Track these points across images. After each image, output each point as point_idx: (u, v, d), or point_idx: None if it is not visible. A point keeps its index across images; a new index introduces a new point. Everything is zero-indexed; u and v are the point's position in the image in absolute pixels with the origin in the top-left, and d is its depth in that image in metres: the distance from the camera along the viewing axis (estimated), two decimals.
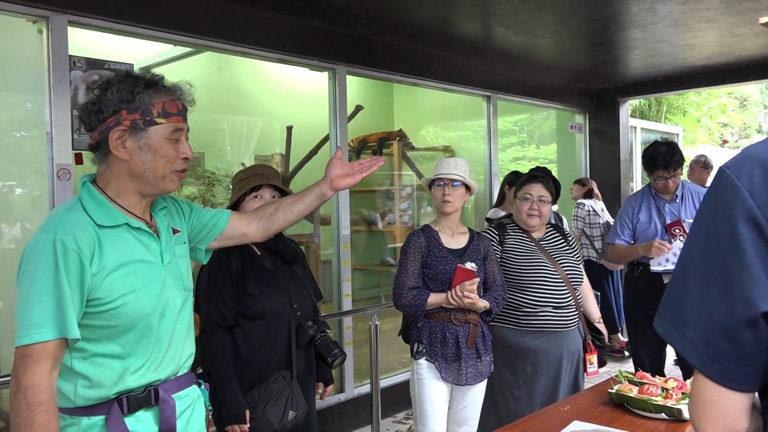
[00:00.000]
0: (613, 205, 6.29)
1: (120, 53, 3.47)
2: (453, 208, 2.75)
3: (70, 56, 3.00)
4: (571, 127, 6.55)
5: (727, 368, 0.84)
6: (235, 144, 5.52)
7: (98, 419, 1.46)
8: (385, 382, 4.32)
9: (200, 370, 2.27)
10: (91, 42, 3.48)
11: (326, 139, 4.51)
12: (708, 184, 5.38)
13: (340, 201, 4.33)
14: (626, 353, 5.99)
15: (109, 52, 3.39)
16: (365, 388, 4.32)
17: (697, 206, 3.53)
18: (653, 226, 3.56)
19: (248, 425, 2.18)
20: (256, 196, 2.36)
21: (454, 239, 2.78)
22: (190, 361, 1.70)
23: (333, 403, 4.14)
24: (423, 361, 2.67)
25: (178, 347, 1.62)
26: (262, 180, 2.38)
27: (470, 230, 2.87)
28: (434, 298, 2.63)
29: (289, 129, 5.30)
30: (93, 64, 3.10)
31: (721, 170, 0.89)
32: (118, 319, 1.46)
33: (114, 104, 1.48)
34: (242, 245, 2.32)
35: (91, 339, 1.45)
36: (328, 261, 4.81)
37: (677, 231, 3.47)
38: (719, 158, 6.35)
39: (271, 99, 5.71)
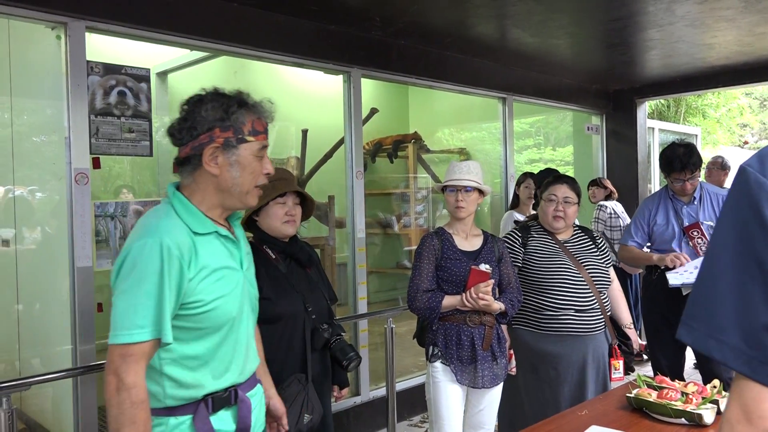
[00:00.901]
0: (630, 207, 6.21)
1: (137, 58, 3.51)
2: (466, 213, 2.74)
3: (88, 62, 3.03)
4: (588, 129, 6.50)
5: None
6: None
7: (185, 419, 1.54)
8: (400, 385, 4.31)
9: None
10: (108, 47, 3.52)
11: (341, 142, 4.52)
12: (726, 185, 5.31)
13: (355, 204, 4.33)
14: (645, 357, 5.93)
15: (126, 57, 3.42)
16: (381, 391, 4.31)
17: (716, 208, 3.47)
18: (671, 229, 3.51)
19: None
20: (281, 202, 2.36)
21: (468, 241, 2.76)
22: (257, 361, 1.79)
23: (349, 406, 4.14)
24: (438, 364, 2.66)
25: (251, 349, 1.73)
26: (287, 186, 2.39)
27: (484, 232, 2.86)
28: (449, 301, 2.62)
29: (305, 132, 5.31)
30: (110, 69, 3.13)
31: (742, 168, 0.87)
32: (207, 321, 1.55)
33: (208, 122, 1.56)
34: (257, 248, 2.33)
35: (181, 340, 1.52)
36: (343, 264, 4.81)
37: (695, 233, 3.42)
38: (739, 159, 6.26)
39: (287, 102, 5.72)
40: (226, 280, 1.59)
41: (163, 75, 4.84)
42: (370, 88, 5.12)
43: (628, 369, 3.08)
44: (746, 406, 0.83)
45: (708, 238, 3.39)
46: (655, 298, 3.59)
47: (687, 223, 3.45)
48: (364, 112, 4.52)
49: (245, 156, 1.59)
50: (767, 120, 17.72)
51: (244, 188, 1.61)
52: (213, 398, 1.58)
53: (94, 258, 3.04)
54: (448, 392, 2.65)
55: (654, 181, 7.39)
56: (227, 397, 1.61)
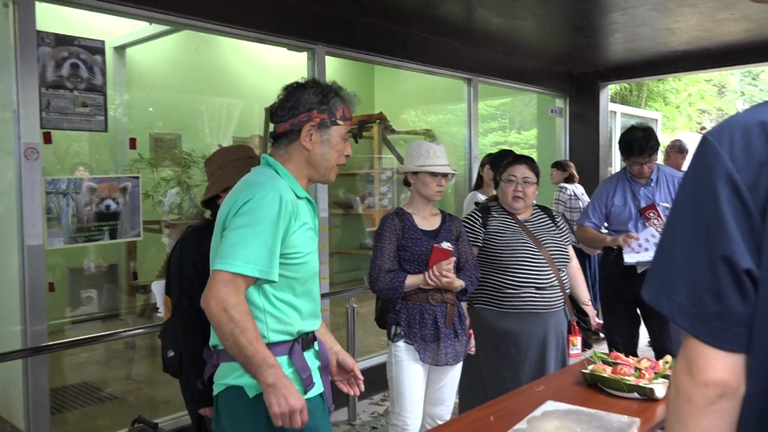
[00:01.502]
0: (591, 189, 6.30)
1: (92, 30, 3.38)
2: (442, 196, 2.79)
3: (38, 32, 2.91)
4: (552, 111, 6.56)
5: (717, 328, 0.85)
6: (212, 126, 5.44)
7: (282, 358, 1.74)
8: (362, 365, 4.31)
9: (171, 353, 2.24)
10: (61, 17, 3.39)
11: None
12: (684, 168, 5.43)
13: (318, 184, 4.29)
14: (601, 335, 6.06)
15: (80, 29, 3.30)
16: None
17: (672, 190, 3.55)
18: (628, 210, 3.57)
19: None
20: None
21: (428, 221, 2.77)
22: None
23: None
24: (401, 344, 2.67)
25: (319, 303, 1.94)
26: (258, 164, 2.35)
27: (442, 212, 2.87)
28: (412, 280, 2.62)
29: (267, 111, 5.22)
30: (62, 40, 3.02)
31: (704, 138, 0.90)
32: (300, 272, 1.79)
33: (309, 104, 1.82)
34: (213, 225, 2.29)
35: (278, 286, 1.75)
36: None
37: (651, 215, 3.49)
38: (696, 144, 6.39)
39: (249, 80, 5.63)
40: (312, 239, 1.85)
41: (120, 49, 4.70)
42: (334, 67, 5.05)
43: (586, 345, 3.13)
44: (688, 360, 0.89)
45: (664, 219, 3.46)
46: (612, 278, 3.66)
47: (644, 205, 3.52)
48: None
49: (335, 136, 1.85)
50: (724, 107, 18.17)
51: (329, 164, 1.87)
52: (302, 339, 1.81)
53: (45, 236, 2.95)
54: (410, 371, 2.66)
55: (614, 163, 7.51)
56: (311, 339, 1.86)
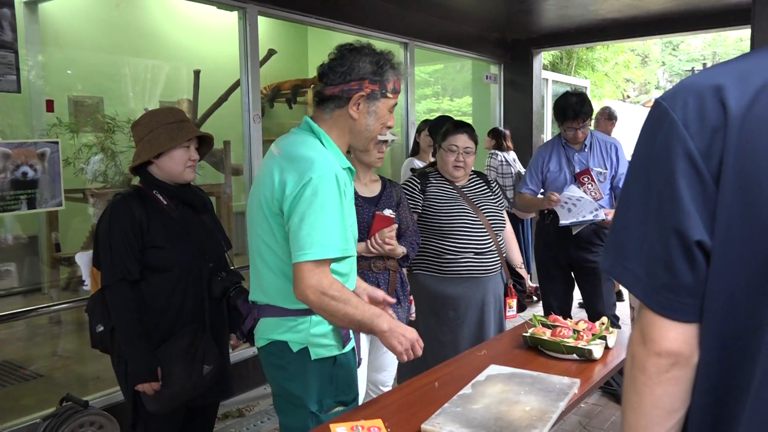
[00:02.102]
0: (525, 156, 6.42)
1: None
2: (382, 162, 2.73)
3: None
4: (486, 78, 6.58)
5: (668, 299, 0.85)
6: (137, 89, 5.15)
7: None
8: None
9: (101, 328, 2.13)
10: None
11: (237, 84, 4.28)
12: (613, 134, 5.59)
13: (253, 150, 4.16)
14: (535, 298, 6.25)
15: None
16: None
17: (605, 155, 3.63)
18: (563, 175, 3.65)
19: (159, 383, 2.07)
20: (186, 146, 2.21)
21: (368, 187, 2.72)
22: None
23: (248, 356, 4.05)
24: None
25: (355, 266, 2.00)
26: (194, 131, 2.22)
27: (381, 178, 2.83)
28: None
29: (197, 73, 4.99)
30: None
31: (657, 102, 0.88)
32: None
33: (362, 72, 1.77)
34: (146, 194, 2.16)
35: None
36: (240, 212, 4.65)
37: (585, 179, 3.57)
38: (621, 112, 6.57)
39: (177, 41, 5.35)
40: (352, 208, 1.90)
41: (32, 5, 4.34)
42: (267, 28, 4.87)
43: (521, 307, 3.21)
44: (642, 330, 0.89)
45: (597, 183, 3.55)
46: (547, 242, 3.75)
47: (578, 170, 3.59)
48: (261, 53, 4.29)
49: (382, 109, 1.83)
50: (647, 76, 18.85)
51: (372, 135, 1.87)
52: None
53: None
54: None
55: (547, 130, 7.66)
56: None
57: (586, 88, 9.38)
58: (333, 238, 1.69)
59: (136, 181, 2.30)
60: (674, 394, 0.87)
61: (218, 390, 2.29)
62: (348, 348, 1.90)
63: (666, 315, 0.85)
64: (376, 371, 2.77)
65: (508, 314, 3.15)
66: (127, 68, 5.11)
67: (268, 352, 1.87)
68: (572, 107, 3.54)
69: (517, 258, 3.24)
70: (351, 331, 1.90)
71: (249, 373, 4.01)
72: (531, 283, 3.49)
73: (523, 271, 3.24)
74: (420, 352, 1.82)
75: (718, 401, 0.85)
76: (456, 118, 4.25)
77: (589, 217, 3.49)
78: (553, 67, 9.60)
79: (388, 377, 2.80)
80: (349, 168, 1.87)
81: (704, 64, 13.19)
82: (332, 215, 1.69)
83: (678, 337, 0.85)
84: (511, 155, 5.96)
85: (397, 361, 2.85)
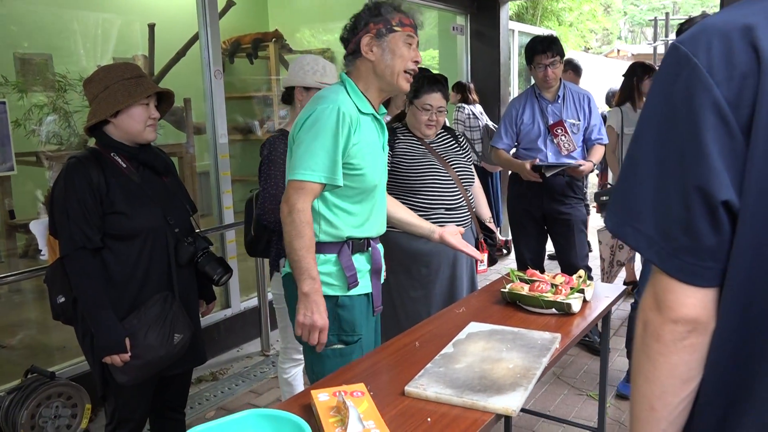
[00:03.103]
0: (492, 109, 6.36)
1: None
2: None
3: None
4: (453, 29, 6.44)
5: (687, 263, 0.78)
6: (88, 45, 4.88)
7: (331, 256, 1.93)
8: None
9: (62, 299, 2.02)
10: None
11: (195, 38, 4.08)
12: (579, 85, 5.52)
13: (215, 106, 3.99)
14: (505, 251, 6.29)
15: None
16: (252, 302, 4.20)
17: (578, 106, 3.56)
18: (536, 127, 3.59)
19: (129, 354, 1.98)
20: (145, 103, 2.08)
21: None
22: (385, 227, 2.12)
23: (219, 319, 3.99)
24: None
25: (382, 215, 2.09)
26: (153, 87, 2.08)
27: None
28: None
29: (152, 27, 4.75)
30: None
31: (674, 47, 0.79)
32: (358, 182, 1.90)
33: (365, 19, 1.91)
34: (104, 156, 2.03)
35: (336, 193, 1.90)
36: (204, 173, 4.50)
37: (559, 131, 3.53)
38: (584, 63, 6.51)
39: None
40: (374, 154, 1.94)
41: None
42: None
43: (492, 261, 3.20)
44: (656, 295, 0.82)
45: (571, 135, 3.51)
46: (520, 194, 3.72)
47: (551, 122, 3.54)
48: (220, 5, 4.09)
49: (395, 42, 1.89)
50: (609, 26, 18.80)
51: (395, 70, 1.90)
52: (353, 242, 1.95)
53: None
54: None
55: (514, 84, 7.59)
56: (363, 244, 2.00)
57: None
58: (321, 164, 1.80)
59: (92, 142, 2.15)
60: (691, 362, 0.82)
61: (190, 358, 2.22)
62: (354, 292, 1.97)
63: (684, 280, 0.78)
64: None
65: (479, 269, 3.13)
66: (77, 23, 4.82)
67: (286, 284, 2.07)
68: (541, 41, 3.50)
69: (486, 212, 3.22)
70: (366, 278, 2.01)
71: (221, 336, 3.95)
72: (500, 237, 3.48)
73: (492, 225, 3.22)
74: (314, 342, 1.86)
75: (736, 371, 0.79)
76: (423, 66, 4.13)
77: (564, 160, 3.48)
78: (519, 17, 9.47)
79: None
80: (373, 116, 1.96)
81: (666, 14, 13.18)
82: (324, 143, 1.80)
83: (697, 303, 0.79)
84: (478, 108, 5.88)
85: None
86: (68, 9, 4.78)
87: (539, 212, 3.66)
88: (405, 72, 1.93)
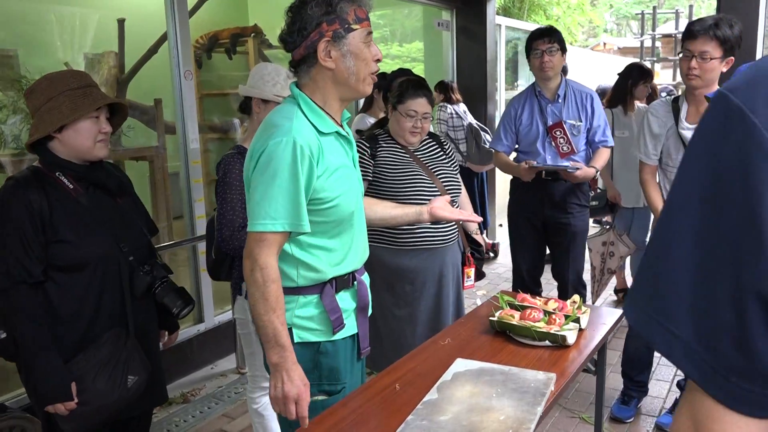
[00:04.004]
0: (479, 107, 6.17)
1: None
2: None
3: None
4: (438, 25, 6.23)
5: (741, 389, 0.58)
6: (53, 41, 4.61)
7: (313, 297, 1.71)
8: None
9: (3, 335, 1.80)
10: None
11: (164, 38, 3.84)
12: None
13: (186, 109, 3.76)
14: (491, 254, 6.12)
15: None
16: (227, 315, 3.99)
17: (579, 106, 3.34)
18: (535, 128, 3.40)
19: (75, 401, 1.77)
20: (94, 116, 1.86)
21: None
22: (368, 252, 1.89)
23: (192, 334, 3.77)
24: None
25: (364, 240, 1.86)
26: (103, 98, 1.87)
27: None
28: None
29: (121, 22, 4.49)
30: None
31: (722, 95, 0.58)
32: (333, 215, 1.68)
33: (315, 19, 1.59)
34: (47, 177, 1.81)
35: (309, 233, 1.66)
36: (176, 173, 4.28)
37: (558, 133, 3.32)
38: (569, 57, 6.30)
39: None
40: (345, 177, 1.70)
41: None
42: None
43: (479, 275, 3.01)
44: (697, 422, 0.62)
45: (570, 137, 3.30)
46: (521, 201, 3.53)
47: (551, 122, 3.34)
48: (191, 2, 3.85)
49: (355, 44, 1.63)
50: (595, 18, 18.65)
51: (360, 76, 1.66)
52: (336, 280, 1.74)
53: None
54: None
55: (500, 80, 7.39)
56: (347, 280, 1.78)
57: None
58: (282, 210, 1.56)
59: (37, 161, 1.93)
60: None
61: (148, 399, 2.02)
62: (339, 336, 1.76)
63: (737, 408, 0.59)
64: None
65: (466, 284, 2.97)
66: (53, 16, 4.56)
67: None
68: (541, 29, 3.36)
69: (472, 224, 3.03)
70: (351, 318, 1.80)
71: (194, 352, 3.74)
72: (488, 240, 3.29)
73: (479, 237, 3.04)
74: (292, 415, 1.63)
75: None
76: (406, 64, 3.91)
77: (562, 164, 3.29)
78: (506, 11, 9.27)
79: None
80: (337, 132, 1.70)
81: (654, 8, 13.04)
82: (282, 185, 1.55)
83: None
84: (462, 107, 5.69)
85: None
86: (35, 2, 4.51)
87: (539, 220, 3.46)
88: (369, 75, 1.71)
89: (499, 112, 7.47)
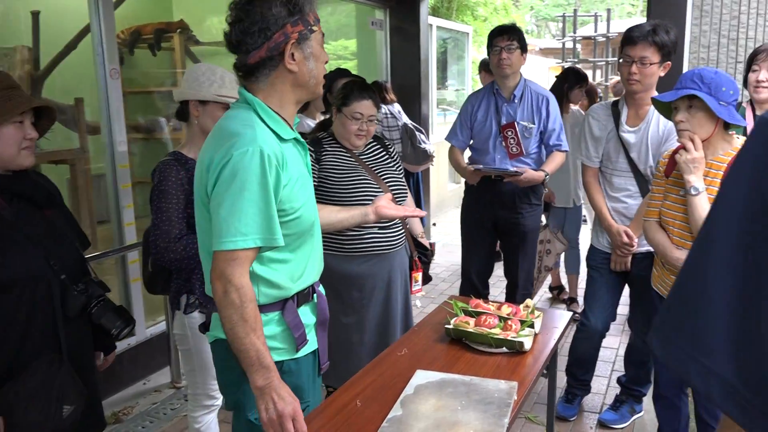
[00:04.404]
0: (413, 107, 6.16)
1: None
2: None
3: None
4: (372, 24, 6.17)
5: None
6: None
7: (274, 315, 1.62)
8: None
9: None
10: None
11: (88, 29, 3.60)
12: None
13: (112, 110, 3.54)
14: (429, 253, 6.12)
15: None
16: (160, 327, 3.79)
17: (535, 108, 3.35)
18: (488, 125, 3.41)
19: None
20: (18, 121, 1.70)
21: None
22: (323, 262, 1.80)
23: (122, 349, 3.55)
24: (197, 315, 2.22)
25: (321, 250, 1.77)
26: (28, 101, 1.69)
27: None
28: None
29: (35, 15, 4.18)
30: None
31: (765, 122, 0.56)
32: (295, 227, 1.59)
33: (281, 18, 1.50)
34: None
35: (281, 246, 1.56)
36: (101, 175, 4.02)
37: (509, 133, 3.34)
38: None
39: None
40: (305, 186, 1.63)
41: None
42: None
43: (426, 279, 2.99)
44: None
45: (520, 138, 3.32)
46: (472, 203, 3.56)
47: (504, 122, 3.35)
48: None
49: (316, 46, 1.58)
50: (517, 20, 19.12)
51: (318, 78, 1.61)
52: (298, 295, 1.65)
53: None
54: None
55: (432, 79, 7.42)
56: (308, 293, 1.71)
57: (468, 34, 9.23)
58: (254, 225, 1.46)
59: None
60: None
61: (86, 428, 1.85)
62: (302, 353, 1.68)
63: None
64: None
65: (414, 289, 2.94)
66: None
67: (214, 351, 1.71)
68: (502, 26, 3.39)
69: (418, 228, 3.01)
70: (312, 333, 1.72)
71: (125, 368, 3.53)
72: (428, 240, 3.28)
73: (425, 241, 3.02)
74: None
75: None
76: (339, 63, 3.83)
77: (510, 165, 3.33)
78: (434, 11, 9.32)
79: None
80: (295, 139, 1.63)
81: (575, 10, 13.51)
82: (252, 198, 1.45)
83: None
84: (396, 107, 5.66)
85: None
86: None
87: (490, 221, 3.47)
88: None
89: (432, 111, 7.50)
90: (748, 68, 2.77)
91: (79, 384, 1.75)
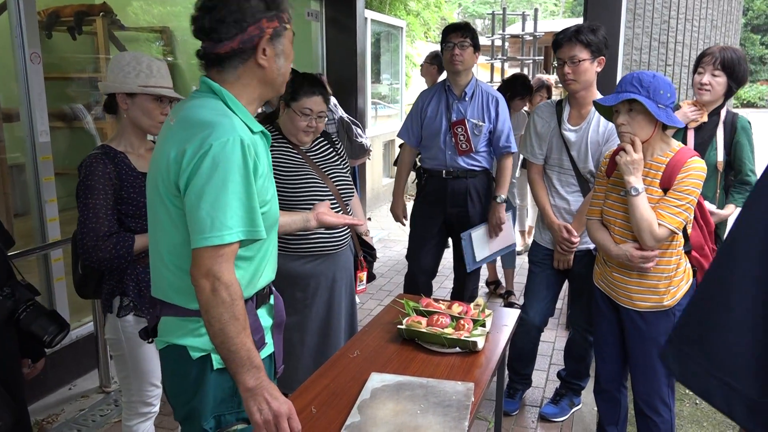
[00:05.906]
0: (349, 100, 6.10)
1: None
2: None
3: None
4: (308, 15, 6.05)
5: None
6: None
7: None
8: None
9: None
10: None
11: (3, 8, 3.33)
12: (439, 80, 5.41)
13: (33, 97, 3.29)
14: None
15: None
16: (87, 328, 3.57)
17: (484, 107, 3.38)
18: (438, 121, 3.42)
19: None
20: None
21: (146, 159, 2.15)
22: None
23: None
24: (131, 318, 2.10)
25: (276, 246, 1.71)
26: None
27: None
28: (142, 241, 2.03)
29: None
30: None
31: None
32: (264, 222, 1.51)
33: (257, 12, 1.47)
34: None
35: (264, 238, 1.51)
36: (17, 165, 3.75)
37: (459, 130, 3.35)
38: (427, 52, 6.39)
39: None
40: (272, 180, 1.61)
41: None
42: None
43: (371, 277, 2.96)
44: None
45: (470, 135, 3.33)
46: (422, 200, 3.58)
47: (455, 119, 3.36)
48: None
49: (286, 44, 1.55)
50: (446, 15, 19.34)
51: (285, 77, 1.58)
52: (258, 295, 1.60)
53: None
54: (149, 345, 2.14)
55: (367, 73, 7.37)
56: (267, 294, 1.67)
57: (402, 28, 9.23)
58: (237, 218, 1.41)
59: None
60: None
61: None
62: (261, 355, 1.58)
63: None
64: None
65: (358, 288, 2.89)
66: None
67: (165, 357, 1.62)
68: (456, 23, 3.43)
69: (363, 227, 2.96)
70: (269, 335, 1.67)
71: (47, 373, 3.29)
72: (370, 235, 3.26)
73: (369, 239, 2.98)
74: None
75: None
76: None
77: (460, 159, 3.41)
78: (367, 5, 9.26)
79: None
80: (262, 132, 1.57)
81: (504, 9, 13.76)
82: (235, 190, 1.40)
83: None
84: (332, 101, 5.58)
85: None
86: None
87: (440, 218, 3.48)
88: None
89: (368, 105, 7.46)
90: (695, 71, 2.89)
91: (6, 397, 1.60)
